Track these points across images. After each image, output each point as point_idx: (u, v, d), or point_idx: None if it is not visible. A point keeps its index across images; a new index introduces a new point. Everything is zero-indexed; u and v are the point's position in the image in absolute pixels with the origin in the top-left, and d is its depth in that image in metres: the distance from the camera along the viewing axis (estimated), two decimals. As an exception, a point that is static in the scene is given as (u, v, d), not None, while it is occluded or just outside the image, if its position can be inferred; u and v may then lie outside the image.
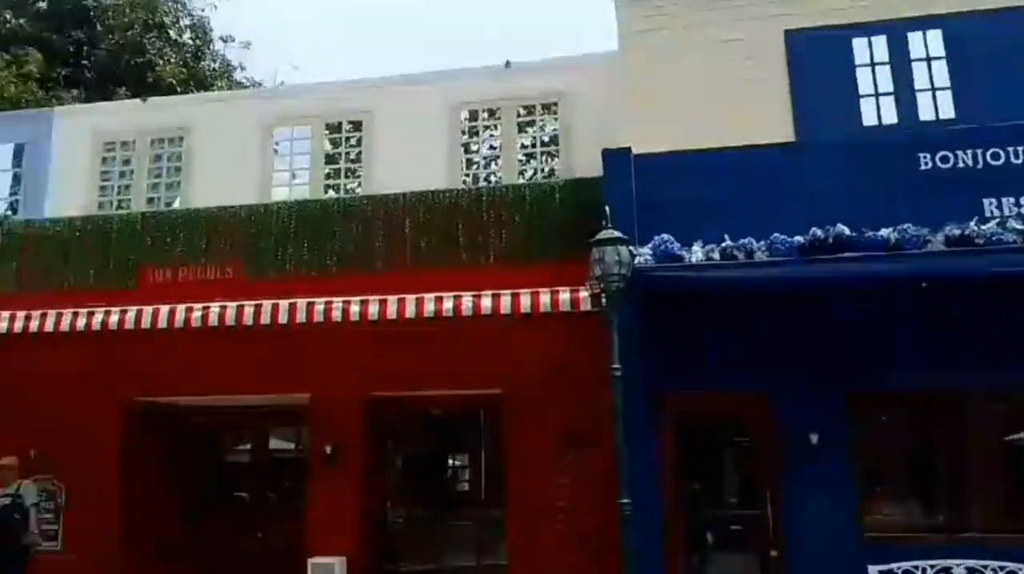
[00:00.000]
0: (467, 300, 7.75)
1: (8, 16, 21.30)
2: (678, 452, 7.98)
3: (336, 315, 8.01)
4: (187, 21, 23.54)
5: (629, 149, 7.95)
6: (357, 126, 11.21)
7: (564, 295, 7.56)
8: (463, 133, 11.16)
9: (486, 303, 7.72)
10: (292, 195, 10.86)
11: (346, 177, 11.29)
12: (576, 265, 8.05)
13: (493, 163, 11.25)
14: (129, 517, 9.46)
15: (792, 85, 8.96)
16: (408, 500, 10.11)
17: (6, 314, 8.96)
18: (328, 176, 11.34)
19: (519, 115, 11.05)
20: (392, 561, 9.61)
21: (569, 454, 8.36)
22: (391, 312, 7.95)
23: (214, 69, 23.39)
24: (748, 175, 7.81)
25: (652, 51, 9.23)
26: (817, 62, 8.97)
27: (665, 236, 7.09)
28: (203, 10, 23.73)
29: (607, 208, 6.58)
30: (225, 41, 24.32)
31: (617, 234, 6.33)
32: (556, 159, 10.63)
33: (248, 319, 8.20)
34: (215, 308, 8.30)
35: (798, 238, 6.92)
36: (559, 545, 8.24)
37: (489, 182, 11.06)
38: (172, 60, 21.68)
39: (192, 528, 10.21)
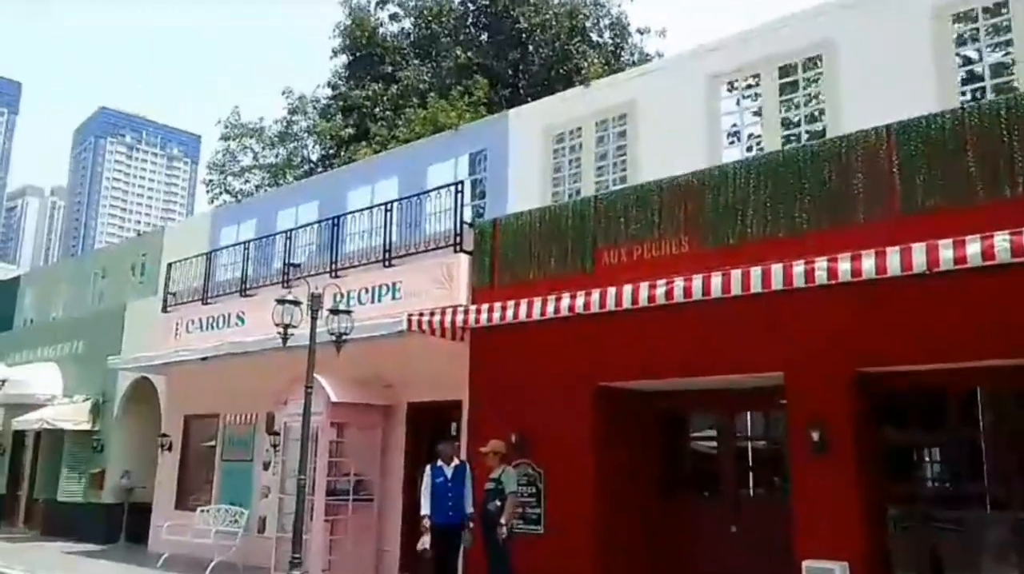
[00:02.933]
0: (1001, 240, 5.92)
1: (459, 52, 24.06)
2: None
3: (820, 276, 6.79)
4: (606, 21, 24.27)
5: None
6: (815, 62, 9.81)
7: None
8: (957, 40, 9.02)
9: (1032, 242, 5.80)
10: (744, 154, 9.88)
11: (808, 123, 9.94)
12: None
13: (1002, 72, 8.85)
14: (603, 502, 9.32)
15: None
16: (906, 496, 8.34)
17: (484, 306, 9.50)
18: (785, 125, 10.10)
19: (1039, -1, 8.55)
20: (899, 570, 7.98)
21: None
22: (892, 266, 6.46)
23: (634, 62, 23.70)
24: None
25: None
26: None
27: None
28: (619, 5, 24.23)
29: None
30: (642, 33, 24.59)
31: None
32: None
33: (716, 290, 7.40)
34: (679, 282, 7.68)
35: None
36: None
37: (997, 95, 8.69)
38: (595, 61, 22.45)
39: (662, 516, 9.77)
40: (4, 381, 17.77)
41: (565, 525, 9.35)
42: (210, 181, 27.57)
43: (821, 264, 6.79)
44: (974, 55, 9.07)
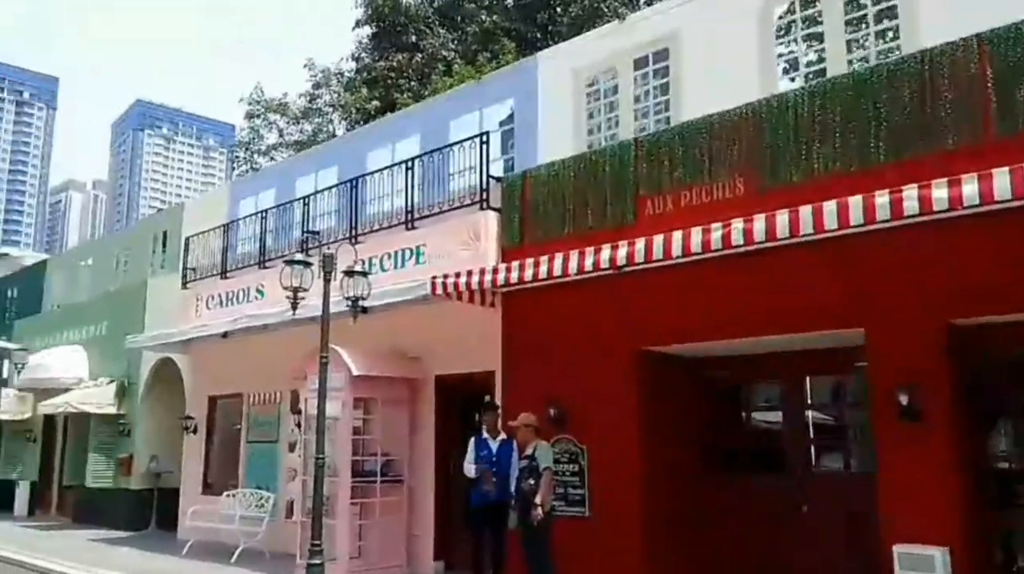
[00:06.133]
0: None
1: (484, 17, 22.99)
2: None
3: (910, 207, 5.70)
4: (641, -21, 22.92)
5: None
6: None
7: None
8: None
9: None
10: (803, 82, 8.68)
11: (878, 41, 8.69)
12: None
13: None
14: (652, 480, 8.37)
15: None
16: (1012, 470, 7.18)
17: (515, 264, 8.59)
18: (850, 48, 8.87)
19: None
20: (1012, 559, 6.87)
21: None
22: (1000, 189, 5.35)
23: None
24: None
25: None
26: None
27: None
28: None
29: None
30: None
31: None
32: None
33: (782, 231, 6.34)
34: (737, 224, 6.64)
35: None
36: None
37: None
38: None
39: (719, 496, 8.74)
40: (24, 365, 17.34)
41: (612, 506, 8.41)
42: (236, 158, 26.98)
43: (911, 194, 5.70)
44: None
